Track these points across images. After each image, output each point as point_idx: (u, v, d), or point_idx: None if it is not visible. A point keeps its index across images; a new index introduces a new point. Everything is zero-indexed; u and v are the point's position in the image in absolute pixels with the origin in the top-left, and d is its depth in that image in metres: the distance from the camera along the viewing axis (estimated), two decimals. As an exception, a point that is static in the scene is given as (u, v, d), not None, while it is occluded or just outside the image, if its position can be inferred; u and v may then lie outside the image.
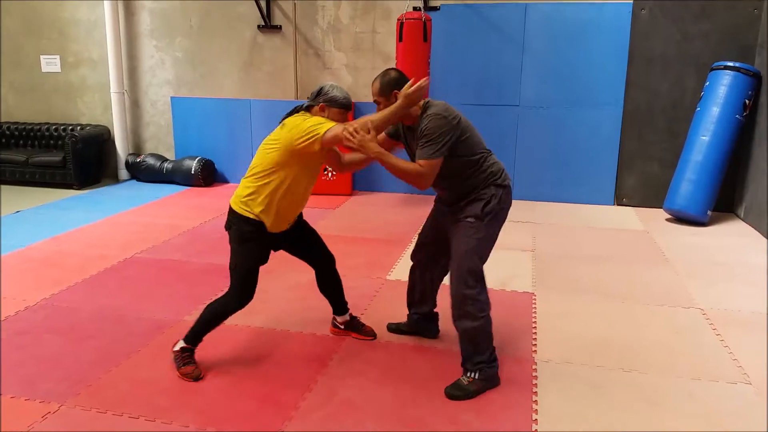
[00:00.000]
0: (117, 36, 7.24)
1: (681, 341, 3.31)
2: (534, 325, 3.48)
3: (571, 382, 2.88)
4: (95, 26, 7.43)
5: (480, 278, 2.74)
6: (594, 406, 2.69)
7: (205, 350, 3.02)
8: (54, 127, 7.57)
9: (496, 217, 2.76)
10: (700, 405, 2.71)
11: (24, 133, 7.63)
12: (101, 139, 7.48)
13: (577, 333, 3.40)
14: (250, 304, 2.89)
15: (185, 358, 2.89)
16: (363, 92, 6.77)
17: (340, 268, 4.15)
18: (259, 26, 6.99)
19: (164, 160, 7.38)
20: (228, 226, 2.86)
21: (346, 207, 6.17)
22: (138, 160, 7.43)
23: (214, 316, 2.88)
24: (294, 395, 2.74)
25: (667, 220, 5.82)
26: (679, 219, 5.73)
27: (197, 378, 2.84)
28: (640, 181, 6.30)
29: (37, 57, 7.74)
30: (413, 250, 3.17)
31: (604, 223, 5.71)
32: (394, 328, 3.38)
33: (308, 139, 2.62)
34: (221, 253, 4.67)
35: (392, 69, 2.77)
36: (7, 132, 7.66)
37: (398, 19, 5.67)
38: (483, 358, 2.79)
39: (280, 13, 6.94)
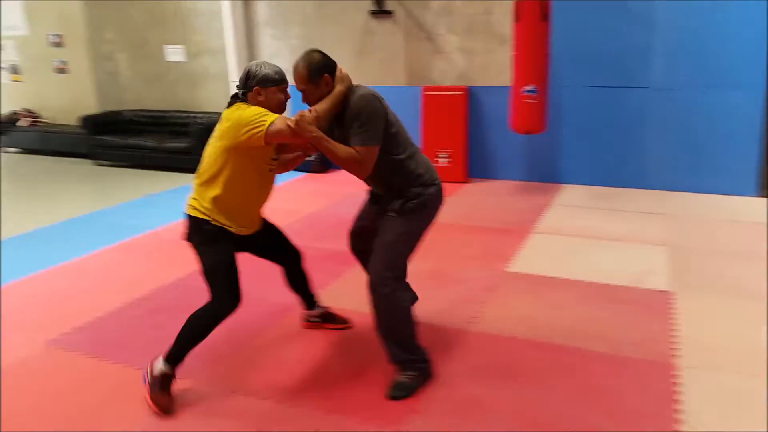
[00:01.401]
0: (235, 26, 7.48)
1: None
2: (674, 328, 3.20)
3: (720, 393, 2.62)
4: (215, 16, 7.71)
5: (397, 274, 2.59)
6: (747, 420, 2.42)
7: (333, 334, 3.05)
8: (181, 114, 7.99)
9: (418, 216, 2.60)
10: None
11: (154, 120, 8.12)
12: (222, 126, 7.78)
13: (725, 338, 3.08)
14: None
15: (164, 385, 2.56)
16: (479, 76, 6.59)
17: (455, 257, 4.06)
18: (371, 12, 6.96)
19: (281, 146, 7.57)
20: (189, 237, 2.63)
21: (460, 195, 6.04)
22: (256, 147, 7.67)
23: (198, 330, 2.60)
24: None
25: (821, 213, 5.21)
26: (836, 213, 5.11)
27: (168, 412, 2.52)
28: (788, 170, 5.68)
29: (161, 47, 8.17)
30: (351, 240, 2.99)
31: (746, 215, 5.19)
32: None
33: (252, 132, 2.38)
34: (338, 240, 4.68)
35: (314, 50, 2.51)
36: (140, 119, 8.18)
37: (517, -2, 5.42)
38: (415, 356, 2.66)
39: (394, -3, 6.87)
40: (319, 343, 3.11)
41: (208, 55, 7.94)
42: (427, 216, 2.65)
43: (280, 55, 7.58)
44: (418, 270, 3.95)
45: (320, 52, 2.50)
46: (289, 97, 2.62)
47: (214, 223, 2.55)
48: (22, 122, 8.97)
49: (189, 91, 8.20)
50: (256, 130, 2.37)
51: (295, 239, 4.76)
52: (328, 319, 3.23)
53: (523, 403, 2.56)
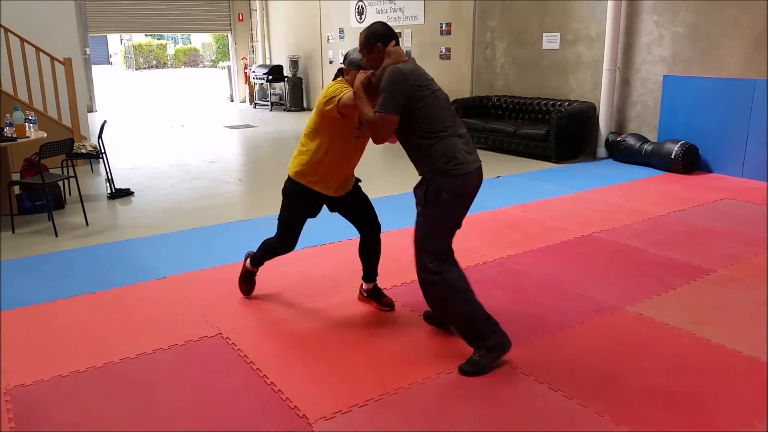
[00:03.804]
0: (618, 12, 7.15)
1: None
2: None
3: None
4: (598, 3, 7.48)
5: (438, 258, 2.71)
6: None
7: (645, 352, 2.77)
8: (544, 102, 8.05)
9: (439, 204, 2.66)
10: None
11: (517, 106, 8.37)
12: (585, 116, 7.60)
13: None
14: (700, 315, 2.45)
15: (248, 278, 3.51)
16: None
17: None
18: (785, -8, 5.85)
19: (645, 141, 7.05)
20: (283, 187, 3.14)
21: None
22: (618, 140, 7.30)
23: (265, 251, 3.33)
24: (734, 425, 2.27)
25: None
26: None
27: (248, 294, 3.52)
28: None
29: (540, 35, 8.31)
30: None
31: None
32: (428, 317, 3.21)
33: (330, 105, 2.82)
34: (682, 248, 4.23)
35: (379, 22, 2.78)
36: (504, 105, 8.54)
37: None
38: (478, 338, 2.72)
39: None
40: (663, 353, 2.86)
41: (583, 42, 7.78)
42: (450, 203, 2.68)
43: (660, 43, 6.99)
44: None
45: (383, 23, 2.77)
46: None
47: (295, 179, 3.07)
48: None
49: (557, 79, 8.19)
50: (331, 105, 2.83)
51: (634, 240, 4.47)
52: (374, 297, 3.38)
53: None
